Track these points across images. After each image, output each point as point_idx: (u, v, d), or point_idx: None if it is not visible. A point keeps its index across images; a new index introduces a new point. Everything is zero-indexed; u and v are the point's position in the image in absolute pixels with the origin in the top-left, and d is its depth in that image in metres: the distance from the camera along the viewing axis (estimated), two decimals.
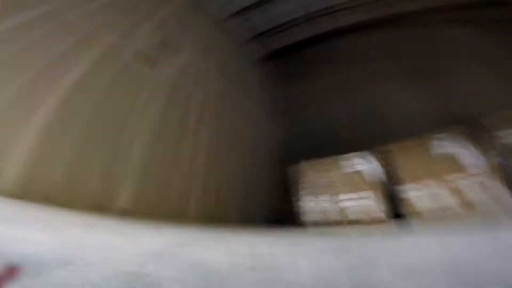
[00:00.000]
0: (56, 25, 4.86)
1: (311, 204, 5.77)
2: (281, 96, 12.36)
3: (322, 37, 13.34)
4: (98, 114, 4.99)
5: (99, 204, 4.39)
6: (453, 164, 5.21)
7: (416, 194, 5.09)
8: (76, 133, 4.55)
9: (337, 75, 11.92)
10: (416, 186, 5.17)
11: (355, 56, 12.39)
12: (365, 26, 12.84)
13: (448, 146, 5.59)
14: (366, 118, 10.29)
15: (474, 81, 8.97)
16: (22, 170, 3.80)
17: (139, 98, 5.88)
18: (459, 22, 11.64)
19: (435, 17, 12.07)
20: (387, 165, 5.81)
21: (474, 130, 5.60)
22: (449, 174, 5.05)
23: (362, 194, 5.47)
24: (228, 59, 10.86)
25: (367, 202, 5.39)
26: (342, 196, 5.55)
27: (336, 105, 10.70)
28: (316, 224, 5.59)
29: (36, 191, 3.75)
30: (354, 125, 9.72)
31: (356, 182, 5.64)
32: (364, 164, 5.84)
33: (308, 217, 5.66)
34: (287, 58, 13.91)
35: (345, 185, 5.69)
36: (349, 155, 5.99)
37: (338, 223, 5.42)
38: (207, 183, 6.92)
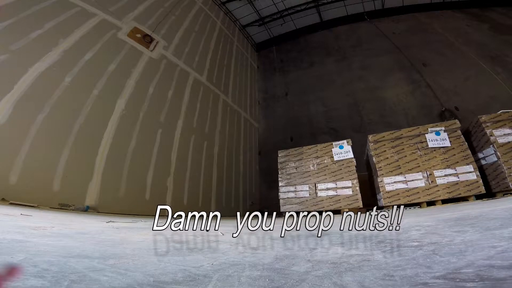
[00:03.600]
0: None
1: (290, 195, 5.71)
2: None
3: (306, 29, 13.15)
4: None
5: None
6: (443, 158, 5.10)
7: (397, 186, 5.10)
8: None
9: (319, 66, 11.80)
10: (400, 178, 5.15)
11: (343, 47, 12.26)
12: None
13: (441, 139, 5.35)
14: (350, 109, 10.23)
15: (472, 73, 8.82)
16: None
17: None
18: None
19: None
20: (376, 154, 5.64)
21: (471, 125, 5.52)
22: (438, 170, 4.99)
23: (340, 183, 5.46)
24: None
25: (345, 192, 5.38)
26: (320, 186, 5.51)
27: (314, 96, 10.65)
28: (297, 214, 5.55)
29: None
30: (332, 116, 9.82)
31: (334, 172, 5.61)
32: (343, 153, 5.80)
33: (287, 208, 5.61)
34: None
35: (323, 174, 5.65)
36: (327, 144, 5.93)
37: (318, 213, 5.39)
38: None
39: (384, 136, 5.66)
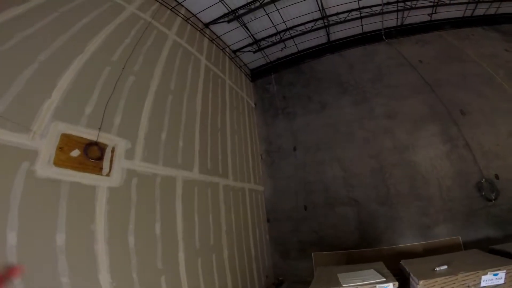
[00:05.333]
0: None
1: None
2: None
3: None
4: None
5: None
6: None
7: None
8: None
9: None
10: None
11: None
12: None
13: (497, 278, 4.66)
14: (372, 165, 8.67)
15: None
16: None
17: None
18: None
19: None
20: None
21: None
22: None
23: None
24: None
25: None
26: None
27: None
28: None
29: None
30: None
31: None
32: None
33: None
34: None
35: None
36: (371, 285, 4.85)
37: None
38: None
39: (437, 281, 4.87)
